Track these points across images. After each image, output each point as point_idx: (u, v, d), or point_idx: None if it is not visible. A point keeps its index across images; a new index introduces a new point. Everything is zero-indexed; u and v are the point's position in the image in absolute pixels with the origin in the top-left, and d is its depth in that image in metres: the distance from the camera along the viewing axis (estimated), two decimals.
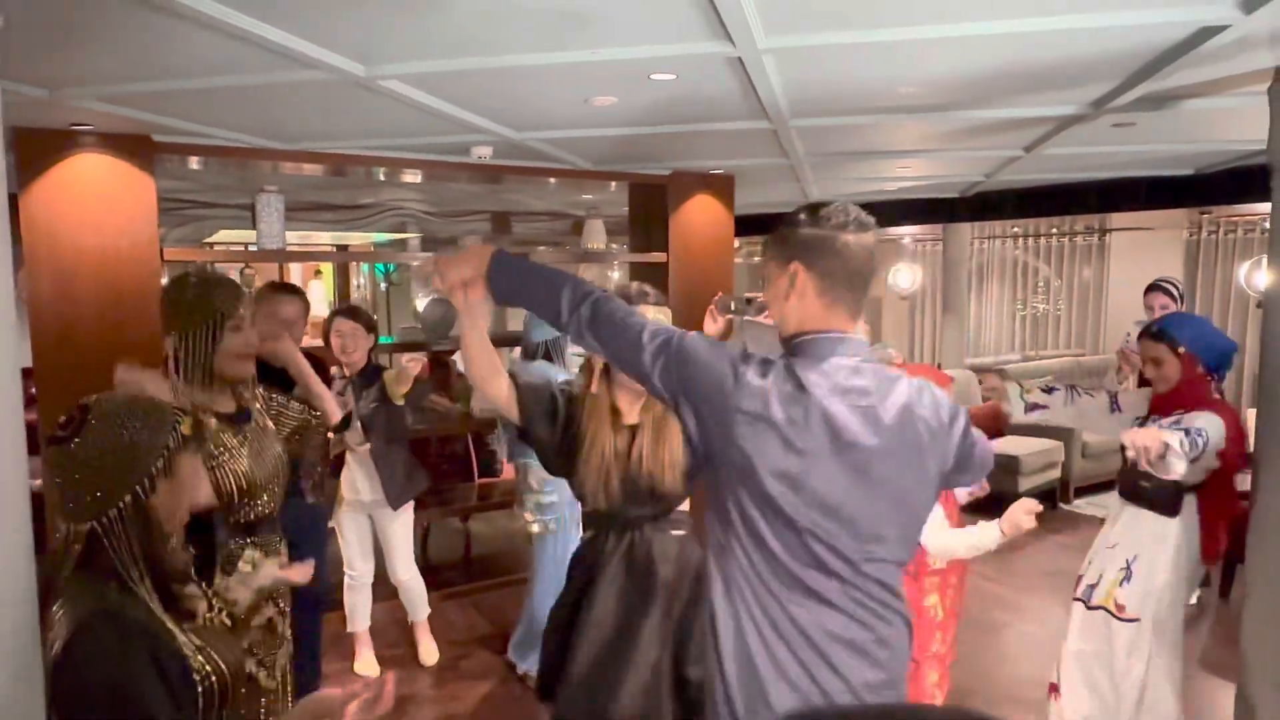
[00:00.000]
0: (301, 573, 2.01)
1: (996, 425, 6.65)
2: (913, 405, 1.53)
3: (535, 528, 3.67)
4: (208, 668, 1.39)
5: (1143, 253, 8.45)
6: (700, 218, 4.69)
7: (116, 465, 1.36)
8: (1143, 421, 2.90)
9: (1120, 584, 2.84)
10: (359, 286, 10.93)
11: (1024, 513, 2.40)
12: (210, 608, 1.54)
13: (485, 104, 2.93)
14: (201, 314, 2.11)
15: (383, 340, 5.47)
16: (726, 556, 1.56)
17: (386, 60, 2.36)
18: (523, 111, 3.05)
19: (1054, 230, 9.28)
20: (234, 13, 1.90)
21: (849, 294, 1.53)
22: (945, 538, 2.59)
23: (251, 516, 2.20)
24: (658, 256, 4.66)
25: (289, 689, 2.27)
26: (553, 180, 4.42)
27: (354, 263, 10.59)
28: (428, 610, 4.05)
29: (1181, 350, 2.78)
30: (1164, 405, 2.85)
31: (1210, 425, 2.63)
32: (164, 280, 3.46)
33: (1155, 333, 2.87)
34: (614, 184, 4.69)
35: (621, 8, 1.95)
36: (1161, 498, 2.80)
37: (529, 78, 2.53)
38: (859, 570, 1.52)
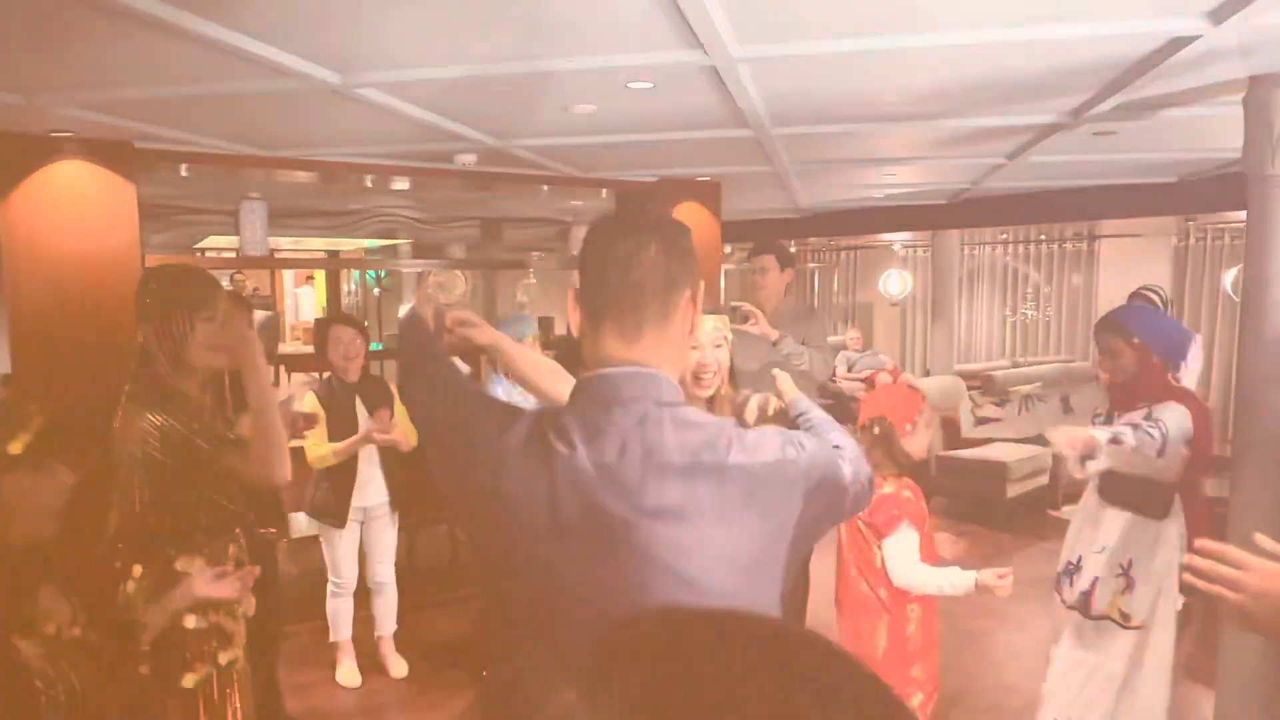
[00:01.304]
0: (229, 588, 1.85)
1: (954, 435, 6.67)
2: (711, 461, 1.18)
3: None
4: (58, 684, 1.35)
5: (1131, 259, 8.47)
6: (687, 224, 4.68)
7: None
8: (1106, 417, 2.86)
9: (1123, 593, 2.76)
10: (349, 293, 10.89)
11: (996, 578, 2.34)
12: (73, 621, 1.50)
13: (463, 112, 2.93)
14: (176, 302, 2.13)
15: (373, 347, 5.43)
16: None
17: (362, 69, 2.36)
18: (502, 119, 3.06)
19: (1043, 236, 9.30)
20: (205, 22, 1.90)
21: (616, 310, 1.22)
22: (917, 574, 2.44)
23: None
24: None
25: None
26: (546, 187, 4.42)
27: (345, 269, 10.56)
28: (394, 626, 4.00)
29: (1135, 340, 2.76)
30: (1125, 399, 2.81)
31: (1171, 415, 2.61)
32: None
33: (1110, 325, 2.84)
34: (603, 191, 4.69)
35: (592, 16, 1.96)
36: (1151, 500, 2.74)
37: (505, 85, 2.53)
38: None
